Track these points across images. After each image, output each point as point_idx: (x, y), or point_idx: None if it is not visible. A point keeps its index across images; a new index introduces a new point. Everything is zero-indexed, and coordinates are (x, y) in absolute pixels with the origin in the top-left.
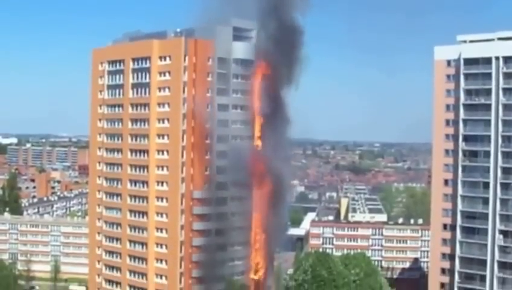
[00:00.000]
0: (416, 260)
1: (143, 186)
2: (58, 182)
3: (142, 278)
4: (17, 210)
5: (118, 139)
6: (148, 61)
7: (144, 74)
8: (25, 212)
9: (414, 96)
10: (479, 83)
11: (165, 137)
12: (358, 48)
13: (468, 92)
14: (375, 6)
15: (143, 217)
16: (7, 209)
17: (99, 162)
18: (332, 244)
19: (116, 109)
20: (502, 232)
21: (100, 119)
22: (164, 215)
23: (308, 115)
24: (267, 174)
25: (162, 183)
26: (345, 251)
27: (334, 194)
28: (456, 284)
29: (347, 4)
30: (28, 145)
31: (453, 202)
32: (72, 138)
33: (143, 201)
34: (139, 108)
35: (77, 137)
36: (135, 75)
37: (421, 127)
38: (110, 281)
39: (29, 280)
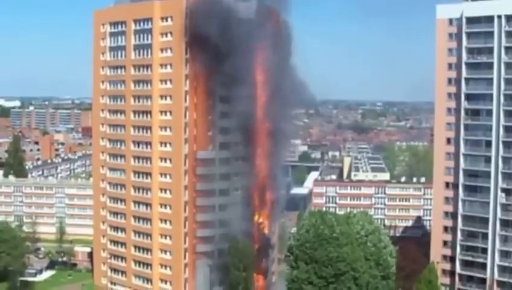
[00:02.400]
0: (418, 218)
1: (146, 147)
2: (62, 144)
3: (147, 238)
4: (21, 173)
5: (120, 101)
6: (149, 22)
7: (145, 35)
8: (29, 175)
9: (417, 55)
10: (481, 41)
11: (168, 98)
12: (361, 7)
13: (470, 51)
14: None
15: (147, 177)
16: (12, 172)
17: (102, 124)
18: (335, 203)
19: (119, 70)
20: (504, 190)
21: (103, 81)
22: (168, 176)
23: (313, 76)
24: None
25: (166, 144)
26: (348, 210)
27: (337, 154)
28: (458, 242)
29: None
30: (31, 108)
31: (455, 160)
32: (75, 100)
33: (147, 162)
34: (141, 69)
35: (80, 99)
36: (137, 36)
37: (423, 86)
38: (114, 242)
39: (34, 242)
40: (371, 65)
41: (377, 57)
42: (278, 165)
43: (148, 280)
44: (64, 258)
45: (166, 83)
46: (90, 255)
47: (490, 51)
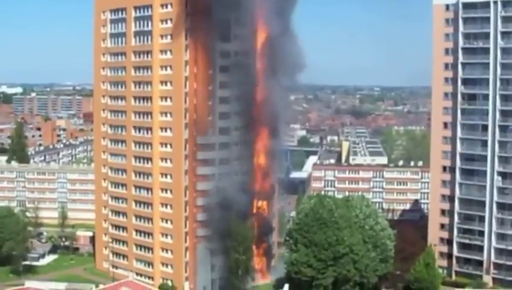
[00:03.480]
0: (416, 201)
1: (147, 132)
2: (64, 130)
3: (148, 222)
4: (24, 158)
5: (121, 87)
6: (149, 9)
7: (145, 22)
8: (31, 160)
9: (415, 41)
10: (477, 26)
11: (168, 84)
12: None
13: (467, 36)
14: None
15: (147, 163)
16: (14, 157)
17: (103, 110)
18: (334, 187)
19: (119, 57)
20: (500, 173)
21: (103, 68)
22: (168, 161)
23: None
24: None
25: (166, 129)
26: (347, 194)
27: (335, 138)
28: (455, 225)
29: None
30: (33, 94)
31: (452, 144)
32: (76, 86)
33: (147, 147)
34: (141, 56)
35: (81, 85)
36: (137, 23)
37: (420, 71)
38: (116, 226)
39: (37, 227)
40: (370, 51)
41: (376, 42)
42: (278, 146)
43: (150, 264)
44: (67, 243)
45: (166, 69)
46: (92, 239)
47: (486, 36)
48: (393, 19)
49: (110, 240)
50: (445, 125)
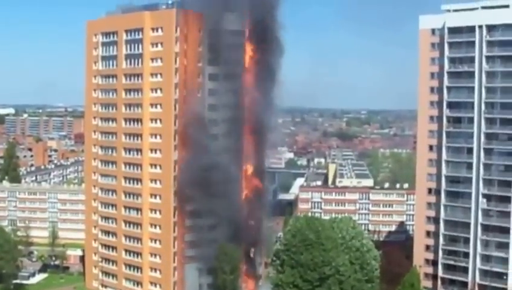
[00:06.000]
0: (402, 223)
1: (137, 154)
2: (55, 150)
3: (137, 242)
4: (15, 178)
5: (112, 109)
6: (140, 33)
7: (136, 45)
8: (23, 180)
9: (401, 65)
10: (462, 51)
11: (158, 106)
12: (350, 17)
13: (452, 60)
14: None
15: (137, 183)
16: (6, 177)
17: (94, 131)
18: (321, 208)
19: (110, 79)
20: (485, 196)
21: (95, 90)
22: (158, 182)
23: (297, 83)
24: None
25: (156, 150)
26: (333, 215)
27: (322, 160)
28: (440, 246)
29: None
30: (25, 115)
31: (437, 166)
32: (67, 108)
33: (137, 168)
34: (132, 78)
35: (73, 107)
36: (128, 46)
37: (406, 94)
38: (105, 246)
39: (28, 246)
40: (359, 74)
41: (364, 66)
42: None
43: (139, 283)
44: (57, 262)
45: (156, 92)
46: (82, 258)
47: (472, 60)
48: (383, 45)
49: (100, 260)
50: (431, 147)
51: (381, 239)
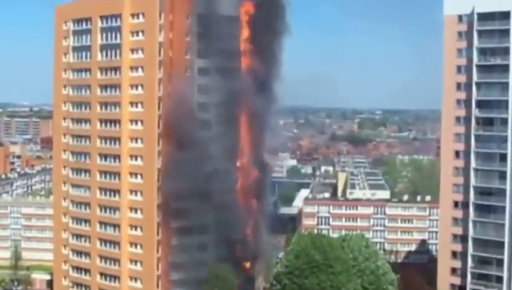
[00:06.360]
0: (423, 242)
1: (115, 160)
2: (18, 157)
3: (115, 264)
4: None
5: (85, 108)
6: (118, 19)
7: (113, 34)
8: None
9: (423, 57)
10: (494, 41)
11: (139, 105)
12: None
13: (482, 52)
14: None
15: (115, 195)
16: None
17: (64, 134)
18: (329, 224)
19: (83, 73)
20: None
21: (65, 86)
22: (139, 194)
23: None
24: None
25: (136, 157)
26: (343, 232)
27: (331, 168)
28: (469, 269)
29: None
30: None
31: (465, 176)
32: (33, 107)
33: (115, 178)
34: (109, 72)
35: (39, 106)
36: (104, 35)
37: (428, 91)
38: (77, 269)
39: None
40: (370, 69)
41: (376, 59)
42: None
43: None
44: (20, 287)
45: (137, 88)
46: (50, 283)
47: (506, 51)
48: (401, 34)
49: (71, 285)
50: (457, 154)
51: (399, 260)
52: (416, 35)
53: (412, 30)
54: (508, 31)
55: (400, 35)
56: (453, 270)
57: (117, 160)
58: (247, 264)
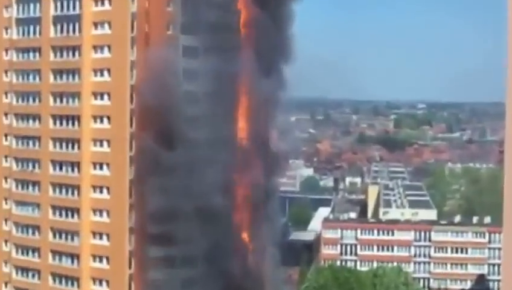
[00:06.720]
0: (481, 277)
1: (72, 170)
2: None
3: None
4: None
5: (34, 101)
6: None
7: (71, 2)
8: None
9: (480, 37)
10: None
11: (105, 96)
12: None
13: None
14: None
15: (73, 216)
16: None
17: (6, 135)
18: (356, 254)
19: (31, 54)
20: None
21: (6, 71)
22: (104, 213)
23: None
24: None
25: (101, 165)
26: (375, 265)
27: (358, 180)
28: None
29: None
30: None
31: None
32: None
33: (73, 193)
34: (65, 53)
35: None
36: (59, 3)
37: (487, 80)
38: None
39: None
40: (410, 51)
41: (417, 38)
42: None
43: None
44: None
45: (102, 74)
46: None
47: None
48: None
49: None
50: None
51: None
52: (472, 10)
53: (467, 4)
54: None
55: (449, 9)
56: None
57: (76, 169)
58: None
